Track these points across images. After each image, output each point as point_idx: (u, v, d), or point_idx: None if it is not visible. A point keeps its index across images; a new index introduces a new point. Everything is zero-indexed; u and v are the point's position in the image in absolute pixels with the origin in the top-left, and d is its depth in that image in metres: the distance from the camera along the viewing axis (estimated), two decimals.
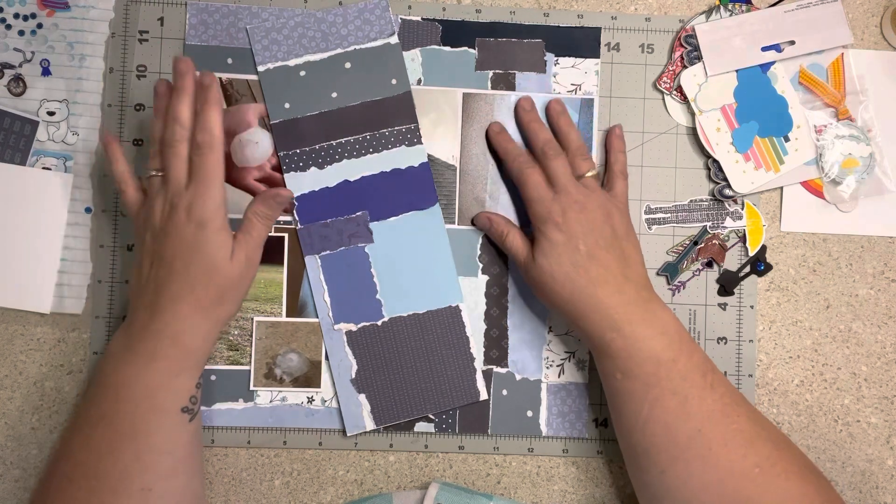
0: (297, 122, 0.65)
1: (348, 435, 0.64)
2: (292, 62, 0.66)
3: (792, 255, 0.67)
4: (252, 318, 0.65)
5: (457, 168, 0.66)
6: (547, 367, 0.66)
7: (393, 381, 0.64)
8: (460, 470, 0.65)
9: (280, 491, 0.65)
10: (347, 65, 0.66)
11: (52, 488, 0.56)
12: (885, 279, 0.68)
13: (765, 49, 0.66)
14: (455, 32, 0.67)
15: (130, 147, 0.65)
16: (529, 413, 0.65)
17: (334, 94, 0.65)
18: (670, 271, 0.67)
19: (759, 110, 0.66)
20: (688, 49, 0.67)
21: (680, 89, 0.67)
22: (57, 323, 0.65)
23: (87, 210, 0.65)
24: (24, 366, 0.64)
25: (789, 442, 0.58)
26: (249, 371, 0.64)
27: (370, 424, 0.64)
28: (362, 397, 0.64)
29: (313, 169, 0.65)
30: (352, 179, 0.65)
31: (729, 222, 0.67)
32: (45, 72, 0.65)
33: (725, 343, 0.67)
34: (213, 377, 0.64)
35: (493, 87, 0.67)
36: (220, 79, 0.65)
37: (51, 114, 0.65)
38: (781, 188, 0.68)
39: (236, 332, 0.65)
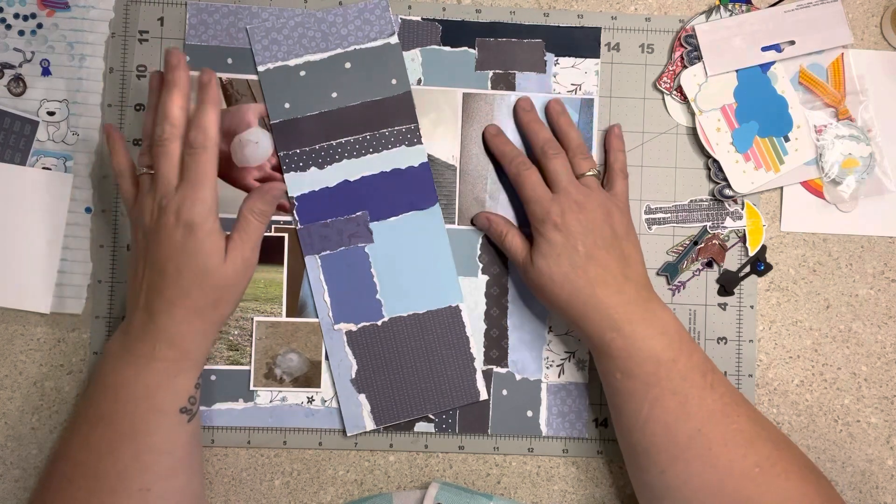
0: (297, 122, 0.65)
1: (348, 435, 0.64)
2: (292, 62, 0.66)
3: (792, 255, 0.67)
4: (252, 318, 0.65)
5: (457, 168, 0.66)
6: (547, 367, 0.66)
7: (393, 381, 0.64)
8: (460, 470, 0.65)
9: (280, 491, 0.65)
10: (347, 65, 0.66)
11: (52, 489, 0.56)
12: (885, 279, 0.68)
13: (765, 49, 0.66)
14: (455, 32, 0.67)
15: (130, 147, 0.65)
16: (529, 413, 0.65)
17: (334, 94, 0.65)
18: (670, 271, 0.67)
19: (759, 110, 0.66)
20: (688, 49, 0.67)
21: (680, 89, 0.67)
22: (57, 323, 0.65)
23: (87, 210, 0.65)
24: (24, 366, 0.64)
25: (789, 442, 0.58)
26: (249, 371, 0.64)
27: (370, 424, 0.64)
28: (362, 397, 0.64)
29: (313, 169, 0.65)
30: (352, 179, 0.65)
31: (729, 222, 0.67)
32: (45, 72, 0.65)
33: (725, 343, 0.67)
34: (213, 377, 0.64)
35: (493, 87, 0.67)
36: (220, 79, 0.65)
37: (51, 114, 0.65)
38: (781, 188, 0.68)
39: (236, 332, 0.65)
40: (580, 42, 0.67)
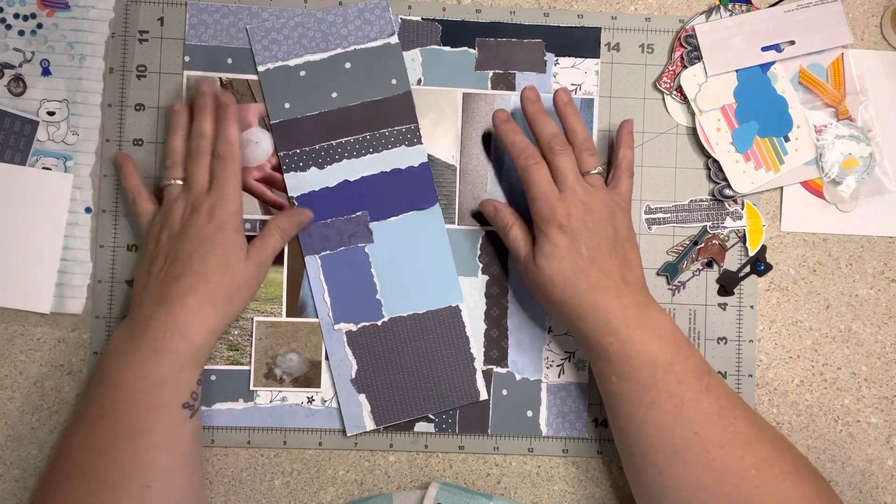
0: (297, 122, 0.65)
1: (348, 435, 0.64)
2: (292, 62, 0.66)
3: (792, 255, 0.67)
4: (252, 318, 0.65)
5: (457, 168, 0.66)
6: (547, 367, 0.66)
7: (393, 381, 0.64)
8: (460, 470, 0.65)
9: (280, 491, 0.65)
10: (347, 65, 0.66)
11: (52, 487, 0.56)
12: (885, 279, 0.68)
13: (765, 49, 0.66)
14: (455, 32, 0.67)
15: (130, 147, 0.65)
16: (529, 413, 0.65)
17: (334, 94, 0.65)
18: (670, 271, 0.67)
19: (759, 110, 0.66)
20: (688, 49, 0.67)
21: (680, 89, 0.67)
22: (57, 323, 0.65)
23: (87, 210, 0.65)
24: (24, 366, 0.64)
25: (788, 443, 0.58)
26: (249, 371, 0.65)
27: (370, 424, 0.64)
28: (362, 397, 0.64)
29: (313, 169, 0.65)
30: (352, 179, 0.65)
31: (729, 222, 0.67)
32: (45, 72, 0.65)
33: (725, 343, 0.67)
34: (213, 377, 0.64)
35: (493, 88, 0.67)
36: (220, 79, 0.65)
37: (51, 114, 0.65)
38: (781, 188, 0.68)
39: (236, 332, 0.65)
40: (580, 42, 0.67)
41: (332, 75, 0.65)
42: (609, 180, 0.63)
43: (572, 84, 0.67)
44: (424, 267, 0.65)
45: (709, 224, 0.67)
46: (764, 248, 0.67)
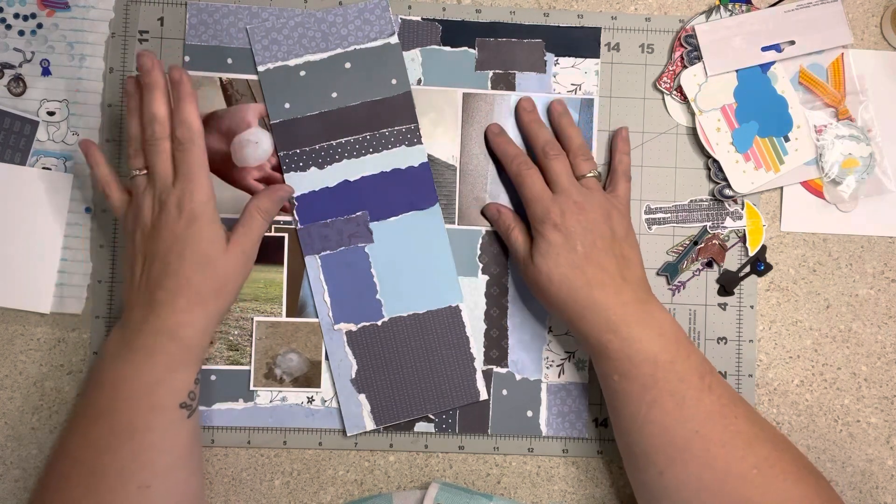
0: (297, 122, 0.65)
1: (348, 435, 0.64)
2: (292, 62, 0.66)
3: (792, 255, 0.67)
4: (252, 318, 0.65)
5: (457, 168, 0.66)
6: (547, 367, 0.66)
7: (393, 381, 0.64)
8: (460, 470, 0.65)
9: (280, 491, 0.65)
10: (347, 65, 0.66)
11: (51, 487, 0.56)
12: (885, 279, 0.68)
13: (765, 49, 0.66)
14: (455, 32, 0.67)
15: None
16: (529, 413, 0.65)
17: (334, 94, 0.65)
18: (670, 271, 0.67)
19: (759, 110, 0.66)
20: (688, 49, 0.67)
21: (680, 89, 0.67)
22: (57, 323, 0.65)
23: (87, 210, 0.65)
24: (24, 366, 0.64)
25: (788, 443, 0.58)
26: (249, 371, 0.65)
27: (370, 424, 0.64)
28: (362, 397, 0.64)
29: (313, 169, 0.65)
30: (352, 179, 0.65)
31: (729, 222, 0.67)
32: (45, 72, 0.65)
33: (725, 343, 0.67)
34: (213, 377, 0.64)
35: (493, 87, 0.67)
36: (220, 79, 0.65)
37: (51, 114, 0.65)
38: (781, 188, 0.68)
39: (236, 332, 0.65)
40: (580, 42, 0.67)
41: (332, 75, 0.65)
42: (606, 184, 0.64)
43: (572, 84, 0.67)
44: (424, 267, 0.65)
45: (709, 224, 0.67)
46: (764, 248, 0.67)
